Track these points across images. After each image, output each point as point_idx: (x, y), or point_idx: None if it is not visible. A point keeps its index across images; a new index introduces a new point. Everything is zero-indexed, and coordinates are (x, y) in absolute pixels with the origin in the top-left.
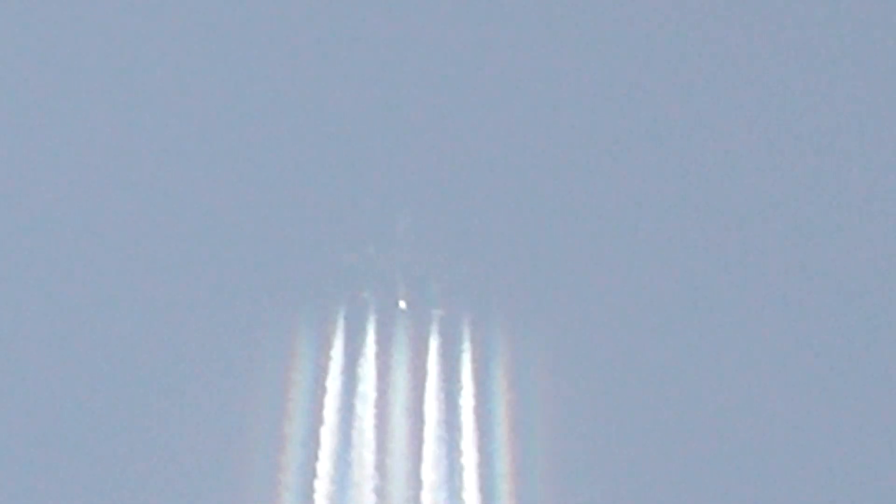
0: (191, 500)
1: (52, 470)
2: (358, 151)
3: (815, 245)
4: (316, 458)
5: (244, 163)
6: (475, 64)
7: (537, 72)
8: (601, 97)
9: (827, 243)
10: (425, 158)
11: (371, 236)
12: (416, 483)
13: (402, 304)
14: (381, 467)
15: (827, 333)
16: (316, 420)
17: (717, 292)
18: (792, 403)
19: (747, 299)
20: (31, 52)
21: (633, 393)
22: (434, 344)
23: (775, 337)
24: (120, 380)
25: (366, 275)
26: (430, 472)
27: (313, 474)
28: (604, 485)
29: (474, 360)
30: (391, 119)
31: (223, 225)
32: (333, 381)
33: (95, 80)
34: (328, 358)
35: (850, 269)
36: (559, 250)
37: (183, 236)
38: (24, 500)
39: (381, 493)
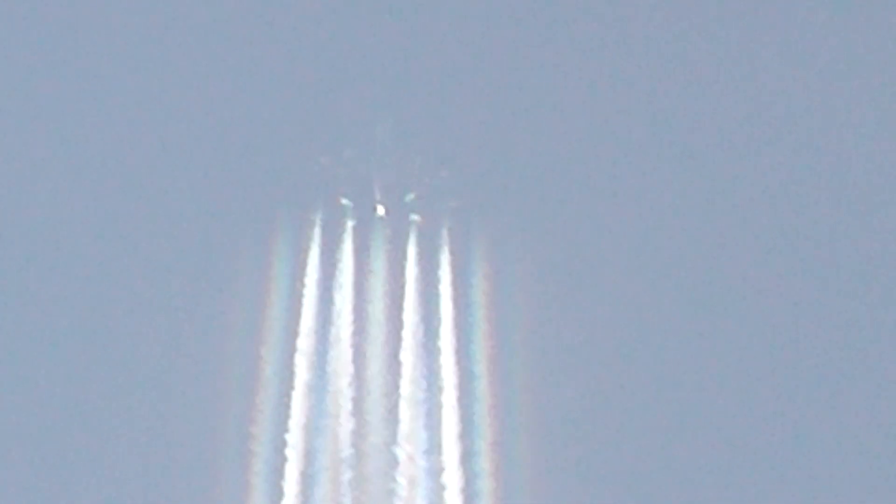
0: (168, 404)
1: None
2: (336, 52)
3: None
4: (292, 369)
5: (223, 62)
6: None
7: None
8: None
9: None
10: (405, 58)
11: (348, 139)
12: (393, 394)
13: (380, 211)
14: (358, 378)
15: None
16: (292, 329)
17: (710, 196)
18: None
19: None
20: (31, 51)
21: (614, 302)
22: (412, 251)
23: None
24: (98, 292)
25: (343, 179)
26: (408, 383)
27: (290, 385)
28: (581, 388)
29: (453, 268)
30: (371, 18)
31: (197, 125)
32: (309, 290)
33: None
34: (304, 265)
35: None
36: (543, 155)
37: (154, 143)
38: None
39: (358, 403)
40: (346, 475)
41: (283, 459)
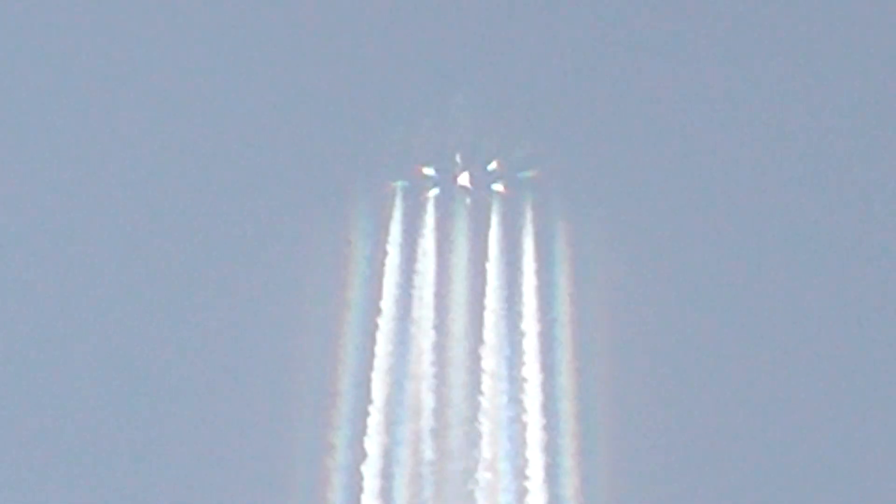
0: (245, 378)
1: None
2: (416, 19)
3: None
4: (374, 341)
5: (303, 31)
6: None
7: None
8: None
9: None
10: (487, 25)
11: (427, 109)
12: (475, 368)
13: (463, 180)
14: (439, 350)
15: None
16: (373, 303)
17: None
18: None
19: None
20: (30, 52)
21: (699, 282)
22: (495, 221)
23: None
24: (175, 261)
25: (422, 148)
26: (490, 356)
27: (371, 358)
28: (663, 362)
29: (536, 240)
30: None
31: (274, 99)
32: (392, 261)
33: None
34: (385, 235)
35: None
36: (628, 124)
37: (236, 114)
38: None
39: (440, 378)
40: (427, 455)
41: (363, 455)
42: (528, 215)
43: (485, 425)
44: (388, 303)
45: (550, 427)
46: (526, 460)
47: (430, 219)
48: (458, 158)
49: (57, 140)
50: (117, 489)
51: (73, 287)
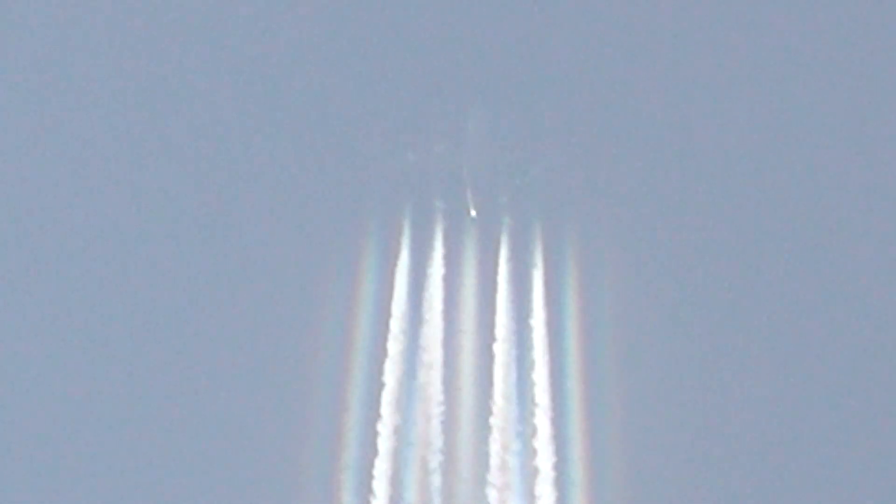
0: (261, 394)
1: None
2: (426, 42)
3: None
4: (382, 372)
5: (314, 55)
6: None
7: None
8: None
9: None
10: (498, 49)
11: (439, 134)
12: (485, 399)
13: (473, 213)
14: (449, 382)
15: None
16: (382, 331)
17: (817, 194)
18: None
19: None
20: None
21: (709, 303)
22: (504, 255)
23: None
24: (187, 289)
25: (434, 176)
26: (501, 388)
27: (380, 386)
28: (673, 397)
29: (546, 273)
30: (461, 11)
31: (286, 124)
32: (400, 291)
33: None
34: (395, 263)
35: None
36: (642, 151)
37: (243, 140)
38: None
39: (450, 406)
40: (436, 478)
41: (372, 463)
42: (539, 249)
43: (493, 451)
44: (396, 333)
45: (560, 450)
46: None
47: (438, 248)
48: (468, 191)
49: (92, 149)
50: (140, 486)
51: (100, 287)
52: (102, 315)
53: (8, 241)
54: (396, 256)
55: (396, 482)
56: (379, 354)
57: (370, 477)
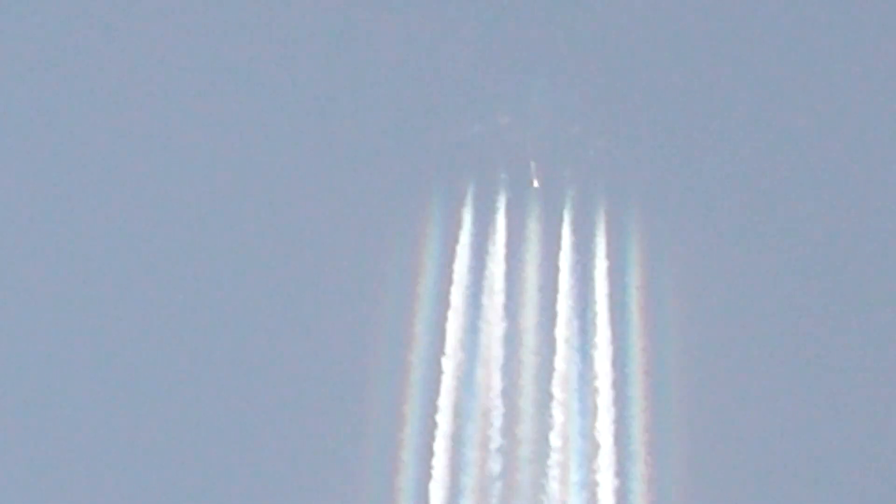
0: (318, 375)
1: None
2: (492, 13)
3: None
4: (443, 342)
5: (372, 32)
6: None
7: None
8: None
9: None
10: (564, 21)
11: (505, 106)
12: (547, 371)
13: (535, 183)
14: (509, 359)
15: None
16: (443, 306)
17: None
18: None
19: None
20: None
21: (777, 279)
22: (567, 229)
23: None
24: (253, 266)
25: (498, 148)
26: (562, 361)
27: (440, 357)
28: (734, 361)
29: (608, 246)
30: None
31: (348, 95)
32: (461, 261)
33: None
34: (457, 235)
35: None
36: (708, 125)
37: (308, 110)
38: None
39: (510, 379)
40: (497, 458)
41: (431, 451)
42: (601, 222)
43: (556, 439)
44: (457, 308)
45: (620, 431)
46: (596, 469)
47: (501, 221)
48: (531, 162)
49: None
50: (197, 473)
51: (161, 286)
52: (167, 299)
53: (42, 243)
54: (459, 227)
55: (456, 459)
56: (440, 322)
57: (430, 454)
